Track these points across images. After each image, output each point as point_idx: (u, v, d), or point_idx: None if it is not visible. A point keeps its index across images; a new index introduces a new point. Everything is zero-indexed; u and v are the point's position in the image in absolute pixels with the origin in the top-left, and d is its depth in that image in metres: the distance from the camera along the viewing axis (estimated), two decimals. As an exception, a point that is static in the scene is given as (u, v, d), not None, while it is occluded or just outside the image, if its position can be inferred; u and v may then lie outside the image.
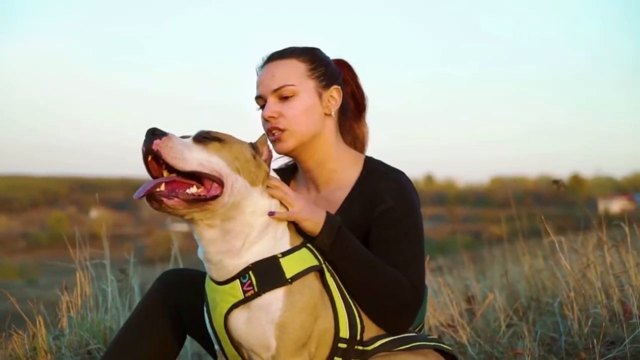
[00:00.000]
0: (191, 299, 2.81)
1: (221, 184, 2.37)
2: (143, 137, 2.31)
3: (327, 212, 2.60)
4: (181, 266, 4.32)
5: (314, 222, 2.55)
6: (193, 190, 2.35)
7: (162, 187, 2.31)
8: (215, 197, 2.35)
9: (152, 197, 2.31)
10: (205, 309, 2.59)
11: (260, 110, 2.84)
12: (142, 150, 2.32)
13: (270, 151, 2.60)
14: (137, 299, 4.14)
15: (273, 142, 2.80)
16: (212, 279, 2.51)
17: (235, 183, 2.40)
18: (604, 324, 3.52)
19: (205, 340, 2.92)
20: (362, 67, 3.03)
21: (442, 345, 2.72)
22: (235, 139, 2.50)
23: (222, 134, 2.48)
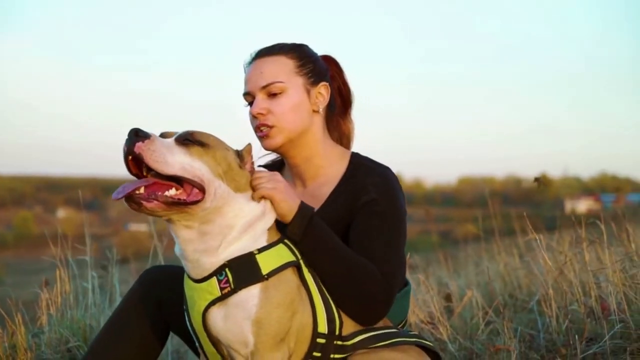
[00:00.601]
0: (173, 296, 2.80)
1: (203, 190, 2.37)
2: (125, 137, 2.30)
3: (302, 202, 2.60)
4: (156, 263, 4.30)
5: (289, 206, 2.56)
6: (172, 192, 2.34)
7: (142, 190, 2.31)
8: (195, 202, 2.35)
9: (131, 199, 2.30)
10: (184, 307, 2.60)
11: (248, 107, 2.84)
12: (124, 150, 2.31)
13: (253, 163, 2.60)
14: (118, 296, 4.12)
15: (261, 138, 2.81)
16: (189, 277, 2.51)
17: (218, 189, 2.41)
18: (588, 321, 3.55)
19: (188, 337, 2.92)
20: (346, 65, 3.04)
21: (423, 341, 2.74)
22: (220, 144, 2.49)
23: (206, 136, 2.46)
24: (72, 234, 4.20)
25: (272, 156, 3.09)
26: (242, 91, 2.85)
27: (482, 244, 6.24)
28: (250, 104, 2.83)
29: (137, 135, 2.30)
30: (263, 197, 2.54)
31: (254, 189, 2.53)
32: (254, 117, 2.80)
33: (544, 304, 3.91)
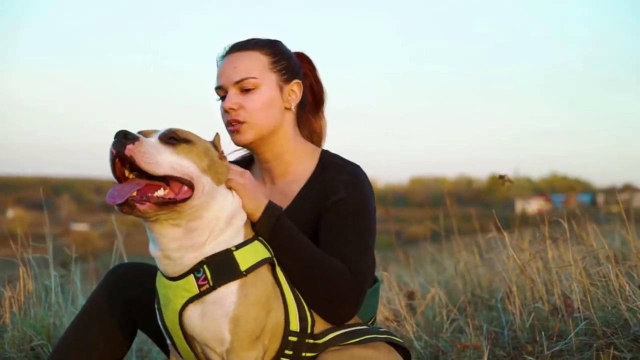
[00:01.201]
0: (142, 293, 2.79)
1: (191, 186, 2.36)
2: (113, 139, 2.28)
3: (270, 201, 2.60)
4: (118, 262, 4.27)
5: (256, 204, 2.56)
6: (161, 192, 2.33)
7: (134, 193, 2.29)
8: (185, 200, 2.34)
9: (124, 203, 2.28)
10: (156, 305, 2.56)
11: (220, 101, 2.83)
12: (112, 152, 2.29)
13: (222, 152, 2.59)
14: (80, 294, 4.08)
15: (232, 133, 2.80)
16: (164, 275, 2.49)
17: (206, 185, 2.40)
18: (553, 319, 3.59)
19: (156, 335, 2.90)
20: (323, 63, 3.03)
21: (393, 337, 2.74)
22: (201, 139, 2.49)
23: (189, 134, 2.45)
24: (23, 233, 4.14)
25: (242, 152, 3.08)
26: (214, 85, 2.84)
27: (443, 242, 6.28)
28: (222, 98, 2.82)
29: (125, 138, 2.28)
30: (231, 188, 2.53)
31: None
32: (225, 111, 2.78)
33: (508, 302, 3.95)
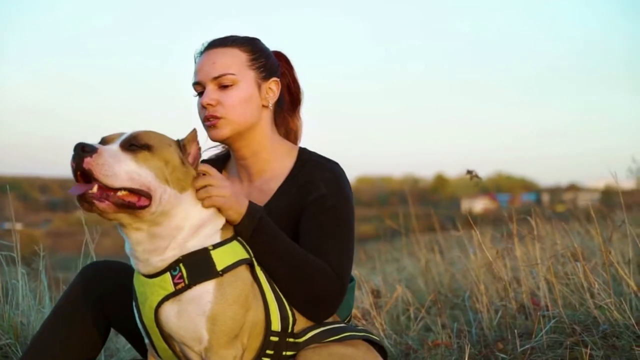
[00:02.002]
0: (115, 291, 2.78)
1: (149, 197, 2.35)
2: (71, 152, 2.28)
3: (250, 202, 2.60)
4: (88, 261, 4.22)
5: (237, 212, 2.55)
6: (123, 192, 2.32)
7: (95, 189, 2.28)
8: (143, 207, 2.34)
9: (84, 198, 2.28)
10: (134, 303, 2.56)
11: (197, 97, 2.83)
12: (72, 166, 2.29)
13: (199, 148, 2.56)
14: (46, 292, 4.04)
15: (208, 128, 2.80)
16: (140, 273, 2.49)
17: (164, 194, 2.38)
18: (529, 317, 3.63)
19: (130, 334, 2.89)
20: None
21: (370, 335, 2.76)
22: (164, 142, 2.45)
23: (151, 137, 2.43)
24: (13, 227, 4.07)
25: (219, 149, 3.07)
26: (192, 80, 2.83)
27: (403, 240, 6.31)
28: (200, 94, 2.81)
29: (83, 151, 2.27)
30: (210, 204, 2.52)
31: (199, 195, 2.50)
32: (203, 107, 2.78)
33: (475, 300, 3.99)
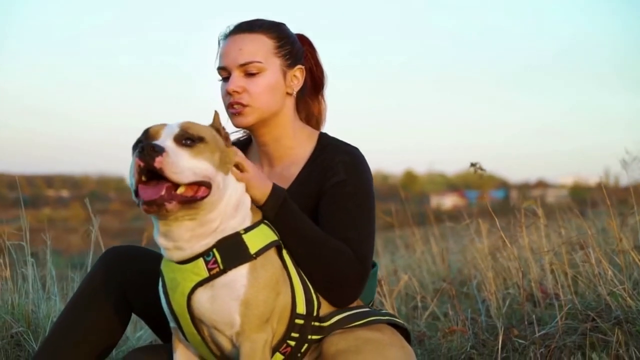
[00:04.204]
0: (137, 277, 2.78)
1: (209, 186, 2.36)
2: (138, 151, 2.27)
3: (274, 184, 2.61)
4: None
5: (261, 192, 2.56)
6: (182, 190, 2.33)
7: (163, 192, 2.28)
8: (203, 198, 2.35)
9: (153, 202, 2.28)
10: (162, 289, 2.54)
11: (221, 82, 2.83)
12: (139, 165, 2.28)
13: (225, 130, 2.57)
14: (55, 281, 4.02)
15: (233, 115, 2.80)
16: (172, 261, 2.48)
17: (221, 182, 2.40)
18: (538, 305, 3.65)
19: (152, 319, 2.88)
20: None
21: (395, 319, 2.77)
22: (210, 131, 2.46)
23: (201, 128, 2.44)
24: (22, 214, 4.05)
25: (239, 134, 3.08)
26: (216, 64, 2.84)
27: (396, 232, 6.34)
28: (224, 79, 2.81)
29: (154, 150, 2.27)
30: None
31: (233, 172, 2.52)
32: (228, 93, 2.78)
33: (484, 288, 4.01)
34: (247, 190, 2.54)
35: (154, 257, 2.79)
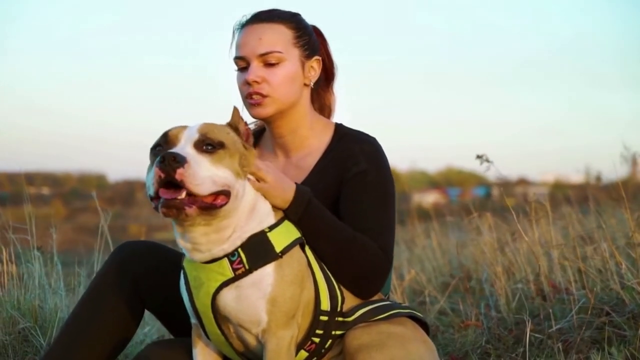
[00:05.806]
0: (151, 273, 2.75)
1: (228, 194, 2.32)
2: (157, 160, 2.22)
3: (297, 186, 2.56)
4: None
5: (283, 199, 2.52)
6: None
7: (183, 195, 2.24)
8: (222, 206, 2.31)
9: (173, 205, 2.24)
10: (185, 287, 2.50)
11: (238, 72, 2.80)
12: (159, 176, 2.22)
13: (246, 126, 2.52)
14: (61, 276, 3.98)
15: (251, 105, 2.77)
16: (194, 261, 2.44)
17: (240, 189, 2.37)
18: (548, 299, 3.64)
19: (164, 315, 2.86)
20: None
21: (415, 312, 2.75)
22: (229, 135, 2.41)
23: (221, 132, 2.39)
24: (29, 211, 4.01)
25: (252, 125, 3.04)
26: (234, 54, 2.80)
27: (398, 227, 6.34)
28: (242, 69, 2.77)
29: (175, 161, 2.22)
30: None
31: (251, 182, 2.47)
32: (246, 83, 2.74)
33: (496, 281, 3.99)
34: (267, 199, 2.49)
35: (167, 253, 2.77)
